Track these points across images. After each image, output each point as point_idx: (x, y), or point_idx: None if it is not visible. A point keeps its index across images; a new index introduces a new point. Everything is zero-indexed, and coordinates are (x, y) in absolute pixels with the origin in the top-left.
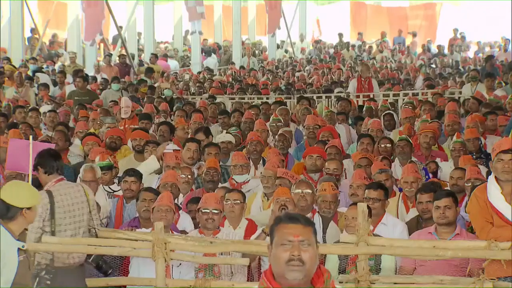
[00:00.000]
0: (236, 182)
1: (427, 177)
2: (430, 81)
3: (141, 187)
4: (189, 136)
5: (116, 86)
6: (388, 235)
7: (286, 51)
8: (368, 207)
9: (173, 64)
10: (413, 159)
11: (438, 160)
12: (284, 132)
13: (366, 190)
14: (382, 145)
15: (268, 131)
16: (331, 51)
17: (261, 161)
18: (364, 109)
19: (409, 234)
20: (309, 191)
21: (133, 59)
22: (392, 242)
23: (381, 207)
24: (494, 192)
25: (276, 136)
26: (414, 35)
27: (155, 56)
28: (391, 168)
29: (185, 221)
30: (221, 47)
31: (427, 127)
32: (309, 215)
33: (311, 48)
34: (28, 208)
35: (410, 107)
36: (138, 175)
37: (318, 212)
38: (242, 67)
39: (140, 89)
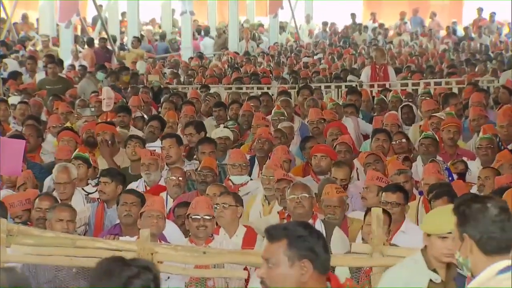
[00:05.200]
0: (233, 183)
1: (450, 178)
2: (455, 68)
3: (117, 188)
4: (179, 131)
5: (101, 75)
6: (408, 245)
7: (290, 33)
8: (388, 213)
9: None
10: (436, 158)
11: (464, 159)
12: (284, 128)
13: (383, 193)
14: (397, 141)
15: (269, 126)
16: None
17: (267, 161)
18: (375, 101)
19: None
20: (306, 194)
21: (115, 42)
22: (411, 252)
23: (400, 212)
24: None
25: (272, 133)
26: (434, 15)
27: (137, 40)
28: (411, 168)
29: (172, 231)
30: (213, 30)
31: (449, 121)
32: (309, 222)
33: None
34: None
35: (428, 98)
36: (114, 175)
37: (322, 218)
38: (236, 53)
39: (122, 78)
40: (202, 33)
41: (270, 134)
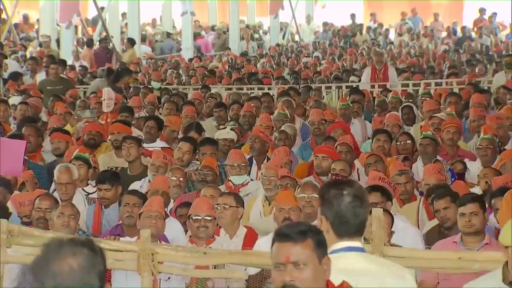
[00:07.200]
0: (233, 184)
1: (453, 179)
2: (456, 68)
3: (117, 190)
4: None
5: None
6: (399, 243)
7: (290, 34)
8: (390, 214)
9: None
10: (439, 158)
11: (465, 160)
12: (286, 129)
13: None
14: (402, 142)
15: (272, 127)
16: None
17: (265, 161)
18: (376, 102)
19: (431, 244)
20: (316, 195)
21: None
22: (412, 252)
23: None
24: None
25: (276, 134)
26: (437, 15)
27: (128, 41)
28: (413, 169)
29: (175, 229)
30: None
31: (450, 122)
32: (316, 222)
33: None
34: None
35: (428, 98)
36: (112, 180)
37: None
38: (243, 53)
39: (129, 80)
40: (215, 31)
41: (262, 132)
